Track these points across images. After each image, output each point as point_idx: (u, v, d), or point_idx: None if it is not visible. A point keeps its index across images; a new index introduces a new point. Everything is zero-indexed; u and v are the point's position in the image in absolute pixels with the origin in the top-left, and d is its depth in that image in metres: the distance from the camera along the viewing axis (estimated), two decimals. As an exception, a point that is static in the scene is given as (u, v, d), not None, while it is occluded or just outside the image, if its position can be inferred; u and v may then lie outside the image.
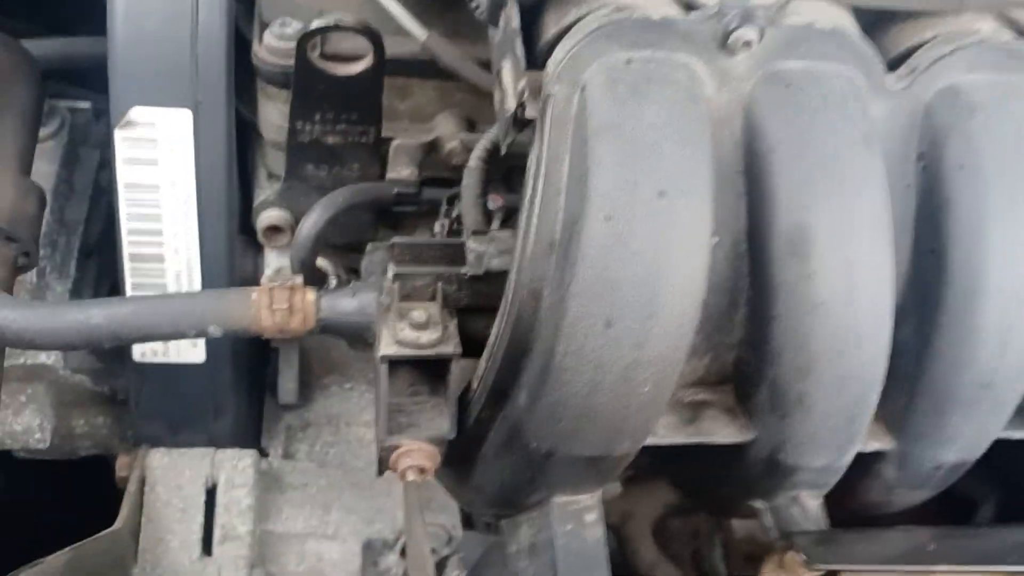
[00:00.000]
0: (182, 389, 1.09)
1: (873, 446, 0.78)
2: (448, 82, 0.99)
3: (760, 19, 0.69)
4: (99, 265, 1.24)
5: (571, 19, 0.71)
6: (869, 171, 0.70)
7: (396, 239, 0.79)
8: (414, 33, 0.91)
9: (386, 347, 0.75)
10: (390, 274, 0.78)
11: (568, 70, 0.69)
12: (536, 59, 0.72)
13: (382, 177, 0.99)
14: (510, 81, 0.70)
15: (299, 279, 0.81)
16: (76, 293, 1.19)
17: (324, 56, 0.89)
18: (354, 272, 1.03)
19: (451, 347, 0.76)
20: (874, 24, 0.78)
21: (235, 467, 1.11)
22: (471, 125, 1.01)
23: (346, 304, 0.81)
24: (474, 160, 0.83)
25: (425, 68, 0.97)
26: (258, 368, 1.22)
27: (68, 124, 1.24)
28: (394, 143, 0.96)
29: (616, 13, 0.69)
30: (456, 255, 0.79)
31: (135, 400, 1.10)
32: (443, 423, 0.78)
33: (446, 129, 0.99)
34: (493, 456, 0.79)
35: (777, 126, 0.70)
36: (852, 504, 0.83)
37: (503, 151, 0.74)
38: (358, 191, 0.95)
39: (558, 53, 0.69)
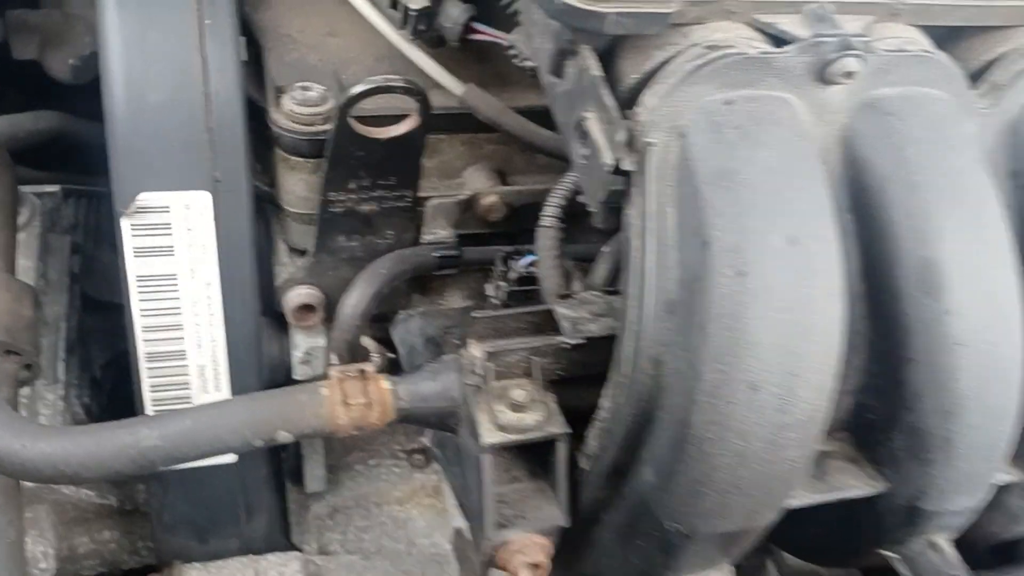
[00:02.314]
0: (211, 494, 0.98)
1: (1003, 479, 0.75)
2: (477, 135, 0.93)
3: (859, 48, 0.65)
4: (79, 360, 1.13)
5: (656, 62, 0.65)
6: (988, 195, 0.66)
7: (476, 312, 0.72)
8: (451, 88, 0.84)
9: (489, 435, 0.68)
10: (478, 352, 0.70)
11: (665, 116, 0.63)
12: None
13: (416, 240, 0.92)
14: (601, 133, 0.64)
15: (368, 365, 0.73)
16: (67, 399, 1.07)
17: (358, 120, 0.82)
18: (383, 343, 0.95)
19: (558, 427, 0.69)
20: (944, 41, 0.76)
21: (282, 575, 1.00)
22: (502, 177, 0.95)
23: (427, 388, 0.73)
24: (547, 219, 0.77)
25: (454, 123, 0.90)
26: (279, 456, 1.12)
27: (39, 212, 1.12)
28: (431, 202, 0.89)
29: (709, 52, 0.64)
30: (543, 323, 0.73)
31: (157, 512, 0.99)
32: (554, 511, 0.71)
33: (478, 183, 0.93)
34: (613, 541, 0.72)
35: (885, 157, 0.66)
36: (973, 536, 0.79)
37: (595, 208, 0.67)
38: (400, 260, 0.87)
39: (650, 99, 0.64)
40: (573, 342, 0.70)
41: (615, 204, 0.66)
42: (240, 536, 1.02)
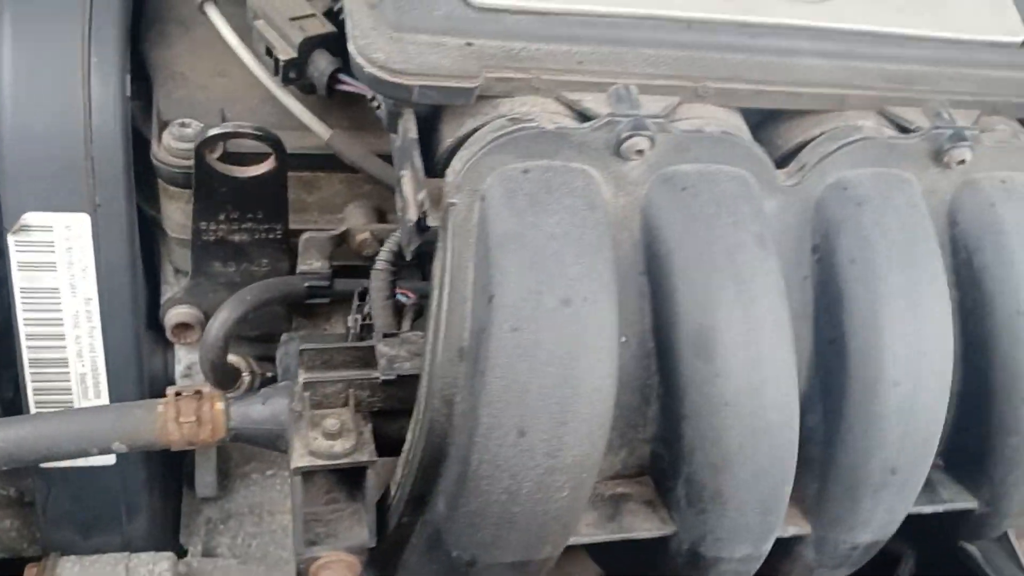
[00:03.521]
0: (92, 493, 1.04)
1: (791, 531, 0.80)
2: (355, 174, 0.99)
3: (650, 128, 0.71)
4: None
5: (467, 129, 0.72)
6: (765, 270, 0.72)
7: (304, 345, 0.78)
8: (317, 132, 0.91)
9: (299, 459, 0.74)
10: (300, 381, 0.76)
11: (468, 180, 0.69)
12: (436, 166, 0.73)
13: (293, 269, 0.98)
14: (410, 191, 0.71)
15: (206, 387, 0.79)
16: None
17: (226, 157, 0.88)
18: (269, 362, 1.01)
19: (366, 455, 0.75)
20: (764, 123, 0.82)
21: (151, 572, 1.06)
22: (381, 215, 1.01)
23: (257, 412, 0.79)
24: (380, 263, 0.83)
25: (332, 162, 0.97)
26: (174, 460, 1.18)
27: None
28: (303, 236, 0.96)
29: (511, 124, 0.70)
30: (368, 358, 0.79)
31: (42, 506, 1.05)
32: (362, 532, 0.77)
33: (356, 220, 0.99)
34: (415, 564, 0.78)
35: (674, 228, 0.72)
36: (772, 584, 0.85)
37: (408, 257, 0.74)
38: (267, 287, 0.93)
39: (456, 163, 0.70)
40: (385, 377, 0.76)
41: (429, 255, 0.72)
42: (122, 534, 1.08)
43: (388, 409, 0.79)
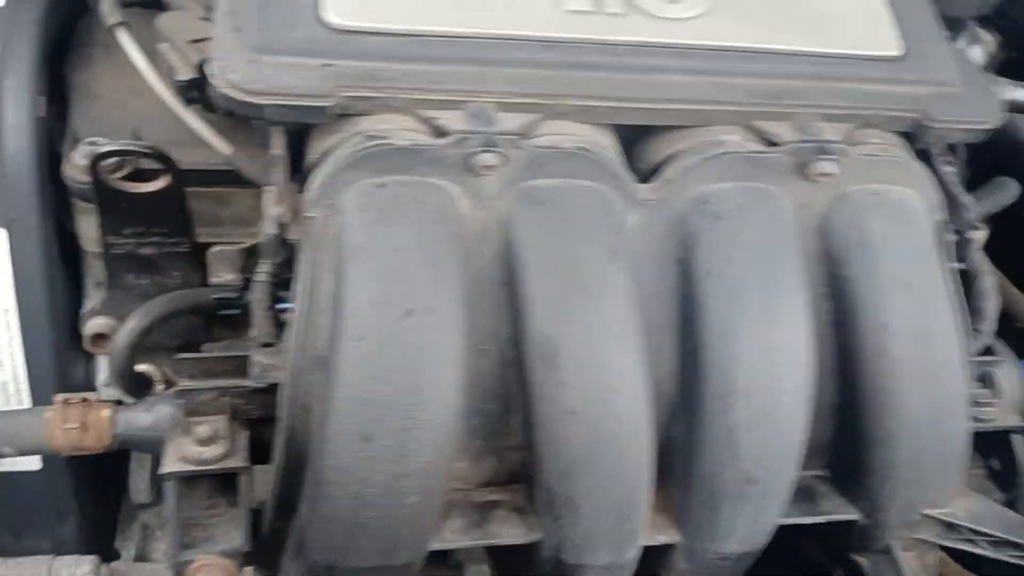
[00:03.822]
0: (20, 496, 1.08)
1: (659, 539, 0.81)
2: (267, 189, 1.02)
3: (501, 145, 0.73)
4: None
5: (327, 146, 0.75)
6: (613, 282, 0.74)
7: (181, 355, 0.81)
8: (219, 149, 0.94)
9: (169, 464, 0.77)
10: (175, 389, 0.80)
11: (325, 194, 0.72)
12: (304, 182, 0.76)
13: (204, 281, 1.01)
14: (270, 205, 0.74)
15: (92, 395, 0.82)
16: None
17: (137, 174, 0.92)
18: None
19: (238, 461, 0.78)
20: (638, 138, 0.84)
21: (72, 575, 1.10)
22: (294, 228, 1.04)
23: (142, 419, 0.82)
24: (260, 274, 0.86)
25: (242, 177, 1.00)
26: (107, 466, 1.21)
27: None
28: (212, 250, 0.99)
29: (367, 141, 0.73)
30: (244, 367, 0.81)
31: (-29, 509, 1.10)
32: (237, 536, 0.79)
33: (269, 233, 1.02)
34: (290, 568, 0.80)
35: (528, 242, 0.74)
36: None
37: (270, 270, 0.77)
38: (174, 299, 0.96)
39: (315, 179, 0.73)
40: (255, 386, 0.79)
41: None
42: (52, 538, 1.12)
43: (267, 417, 0.82)
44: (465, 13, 0.78)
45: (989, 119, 0.87)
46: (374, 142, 0.72)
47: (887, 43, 0.87)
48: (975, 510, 0.87)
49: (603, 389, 0.72)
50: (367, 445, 0.69)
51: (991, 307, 0.93)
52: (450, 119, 0.75)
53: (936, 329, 0.80)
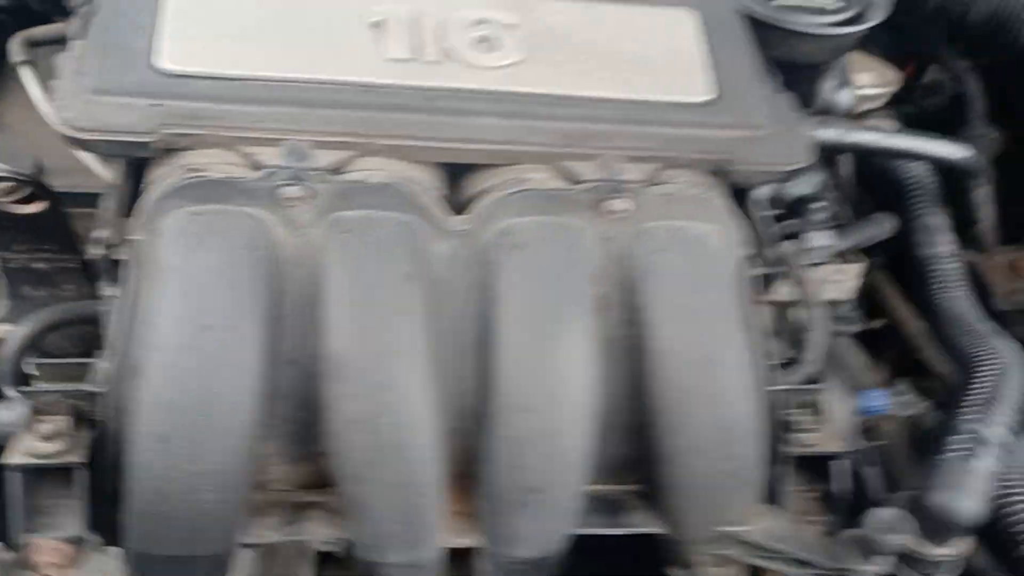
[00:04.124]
0: None
1: (461, 542, 0.88)
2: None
3: (309, 179, 0.81)
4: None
5: (155, 177, 0.84)
6: (405, 305, 0.81)
7: (39, 360, 0.91)
8: (101, 175, 1.04)
9: (10, 456, 0.86)
10: (24, 391, 0.89)
11: (149, 220, 0.81)
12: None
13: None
14: (97, 228, 0.83)
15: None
16: None
17: (26, 197, 1.02)
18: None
19: (76, 457, 0.86)
20: (460, 175, 0.91)
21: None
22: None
23: (2, 416, 0.91)
24: (105, 290, 0.95)
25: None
26: None
27: None
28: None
29: (187, 173, 0.81)
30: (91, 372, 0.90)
31: None
32: (76, 524, 0.88)
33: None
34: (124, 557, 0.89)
35: (333, 266, 0.82)
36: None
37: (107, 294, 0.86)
38: (61, 310, 1.06)
39: (143, 205, 0.82)
40: (96, 390, 0.87)
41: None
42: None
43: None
44: (292, 60, 0.87)
45: (794, 160, 0.93)
46: (193, 174, 0.81)
47: (698, 89, 0.94)
48: (774, 529, 0.92)
49: (387, 402, 0.79)
50: (166, 446, 0.77)
51: (816, 337, 0.99)
52: (268, 155, 0.83)
53: (720, 357, 0.86)
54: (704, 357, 0.86)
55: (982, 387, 1.00)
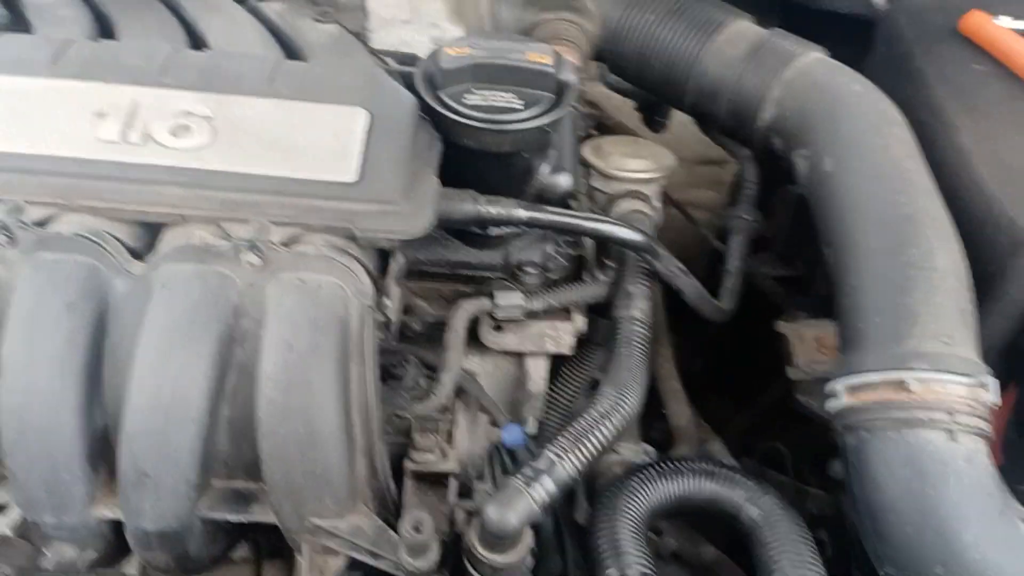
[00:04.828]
0: None
1: (107, 513, 1.12)
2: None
3: (11, 227, 1.10)
4: None
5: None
6: (59, 325, 1.08)
7: None
8: None
9: None
10: None
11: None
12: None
13: None
14: None
15: None
16: None
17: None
18: None
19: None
20: (158, 230, 1.18)
21: None
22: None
23: None
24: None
25: None
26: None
27: None
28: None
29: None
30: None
31: None
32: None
33: None
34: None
35: (18, 292, 1.09)
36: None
37: None
38: None
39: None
40: None
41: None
42: None
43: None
44: (15, 138, 1.16)
45: (415, 230, 1.15)
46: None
47: (346, 172, 1.17)
48: (359, 526, 1.12)
49: (31, 394, 1.05)
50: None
51: (444, 378, 1.22)
52: (-11, 211, 1.13)
53: (308, 380, 1.08)
54: (294, 380, 1.07)
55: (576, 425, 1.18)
